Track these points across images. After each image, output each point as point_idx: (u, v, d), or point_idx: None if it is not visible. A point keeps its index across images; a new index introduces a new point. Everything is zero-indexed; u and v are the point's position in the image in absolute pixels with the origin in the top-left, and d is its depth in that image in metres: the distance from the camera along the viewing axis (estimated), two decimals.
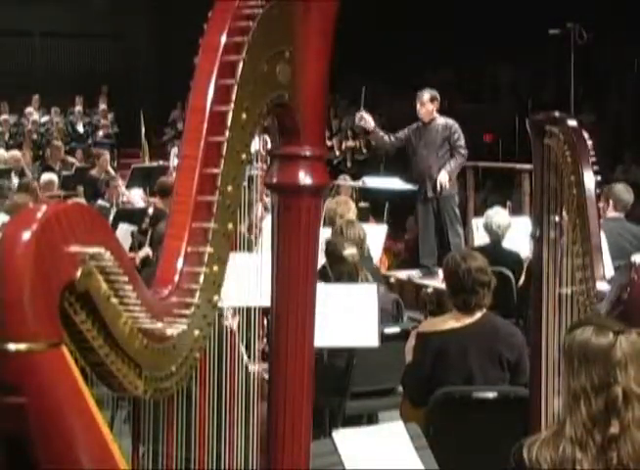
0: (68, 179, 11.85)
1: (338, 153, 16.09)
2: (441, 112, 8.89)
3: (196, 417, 1.85)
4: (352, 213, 6.81)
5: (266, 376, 1.88)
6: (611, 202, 5.96)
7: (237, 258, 1.76)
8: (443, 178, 8.46)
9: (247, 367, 2.00)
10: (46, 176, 10.74)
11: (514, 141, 13.33)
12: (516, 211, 8.38)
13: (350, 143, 16.28)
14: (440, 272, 6.49)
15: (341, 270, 4.98)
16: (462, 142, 8.56)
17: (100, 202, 10.19)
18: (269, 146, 1.87)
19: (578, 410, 2.27)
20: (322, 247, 5.83)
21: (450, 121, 8.63)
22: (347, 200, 7.39)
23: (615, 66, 14.55)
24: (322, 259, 5.68)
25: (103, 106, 18.30)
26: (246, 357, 2.02)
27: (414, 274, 8.93)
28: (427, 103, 8.59)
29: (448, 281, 4.09)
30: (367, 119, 8.73)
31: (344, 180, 10.56)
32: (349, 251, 5.03)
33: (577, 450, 2.25)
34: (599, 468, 2.24)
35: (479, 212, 8.37)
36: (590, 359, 2.27)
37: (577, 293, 3.29)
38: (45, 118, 17.56)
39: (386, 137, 8.80)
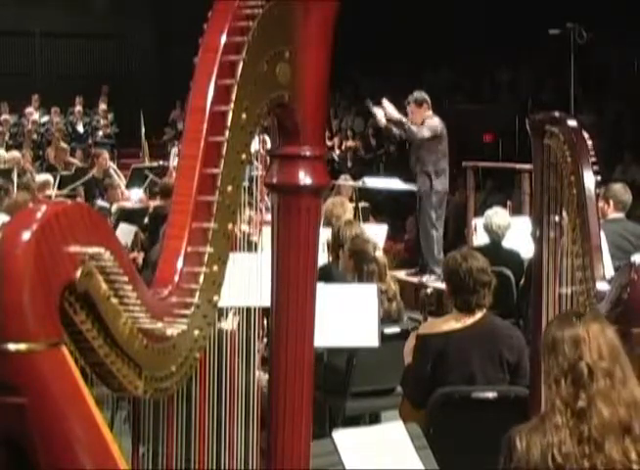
0: (67, 179, 11.84)
1: (338, 153, 16.10)
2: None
3: (196, 417, 1.85)
4: (349, 214, 6.79)
5: (265, 376, 1.88)
6: (611, 202, 5.95)
7: (237, 258, 1.76)
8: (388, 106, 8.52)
9: (253, 375, 1.99)
10: (42, 177, 10.65)
11: (514, 141, 13.33)
12: (516, 211, 8.37)
13: (350, 143, 16.29)
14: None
15: (371, 270, 5.01)
16: (415, 129, 8.41)
17: (100, 202, 10.19)
18: (269, 146, 1.87)
19: (556, 397, 2.39)
20: (323, 247, 5.85)
21: (432, 119, 8.56)
22: (344, 200, 7.34)
23: (615, 66, 14.55)
24: (322, 259, 5.69)
25: (103, 106, 18.30)
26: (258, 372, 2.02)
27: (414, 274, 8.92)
28: (413, 107, 8.56)
29: (449, 281, 4.07)
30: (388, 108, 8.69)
31: (345, 180, 10.55)
32: (379, 252, 5.14)
33: (560, 433, 2.36)
34: (576, 445, 2.34)
35: (479, 212, 8.36)
36: (557, 346, 2.42)
37: (577, 293, 3.29)
38: (45, 118, 17.56)
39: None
